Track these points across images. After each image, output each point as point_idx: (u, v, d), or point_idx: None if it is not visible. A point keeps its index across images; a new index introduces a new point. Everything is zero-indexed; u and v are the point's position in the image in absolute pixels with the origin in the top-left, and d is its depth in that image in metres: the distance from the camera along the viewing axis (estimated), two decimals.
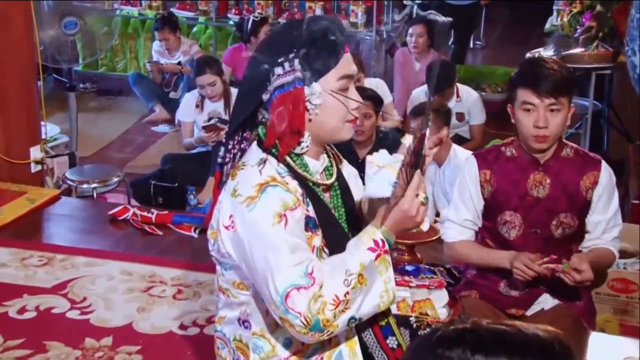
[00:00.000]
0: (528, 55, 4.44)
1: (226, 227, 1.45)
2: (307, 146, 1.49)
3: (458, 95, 4.46)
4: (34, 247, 2.97)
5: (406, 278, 2.42)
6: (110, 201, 3.89)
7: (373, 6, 5.59)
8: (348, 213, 1.58)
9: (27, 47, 3.55)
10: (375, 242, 1.43)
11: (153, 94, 5.57)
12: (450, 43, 6.62)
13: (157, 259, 2.89)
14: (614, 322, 2.55)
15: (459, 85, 4.53)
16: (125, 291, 2.64)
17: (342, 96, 1.46)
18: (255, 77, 1.46)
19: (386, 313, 1.58)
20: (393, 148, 1.95)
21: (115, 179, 3.85)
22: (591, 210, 2.10)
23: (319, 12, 5.67)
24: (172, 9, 5.94)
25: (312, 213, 1.47)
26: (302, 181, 1.47)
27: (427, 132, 1.46)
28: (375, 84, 4.40)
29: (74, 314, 2.50)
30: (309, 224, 1.46)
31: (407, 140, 1.49)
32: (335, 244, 1.49)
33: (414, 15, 5.82)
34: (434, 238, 2.63)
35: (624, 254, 2.57)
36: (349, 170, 1.68)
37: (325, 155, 1.57)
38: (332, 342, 1.52)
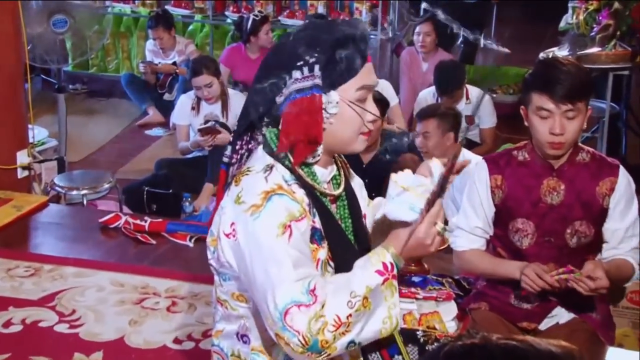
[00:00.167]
0: (542, 55, 4.44)
1: (227, 235, 1.45)
2: (319, 155, 1.50)
3: (468, 97, 4.47)
4: (21, 257, 2.98)
5: (413, 289, 2.42)
6: (101, 208, 3.89)
7: (378, 4, 5.60)
8: (355, 225, 1.58)
9: (14, 46, 3.56)
10: (384, 265, 1.43)
11: (146, 95, 5.58)
12: (459, 42, 6.63)
13: (151, 269, 2.89)
14: (632, 336, 2.54)
15: (468, 86, 4.53)
16: (116, 303, 2.64)
17: (360, 107, 1.46)
18: (270, 78, 1.46)
19: (393, 333, 1.57)
20: (397, 152, 1.96)
21: (107, 185, 3.86)
22: (608, 218, 2.09)
23: (321, 9, 5.69)
24: (166, 7, 5.97)
25: (318, 224, 1.47)
26: (310, 190, 1.48)
27: (459, 159, 1.49)
28: (380, 85, 4.41)
29: (62, 328, 2.49)
30: (315, 236, 1.46)
31: (436, 166, 1.49)
32: (341, 257, 1.49)
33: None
34: (442, 247, 2.63)
35: None
36: (354, 180, 1.69)
37: (333, 164, 1.57)
38: None
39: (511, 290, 2.15)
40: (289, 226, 1.40)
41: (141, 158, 4.94)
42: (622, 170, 2.10)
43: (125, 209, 3.85)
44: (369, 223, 1.68)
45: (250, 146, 1.53)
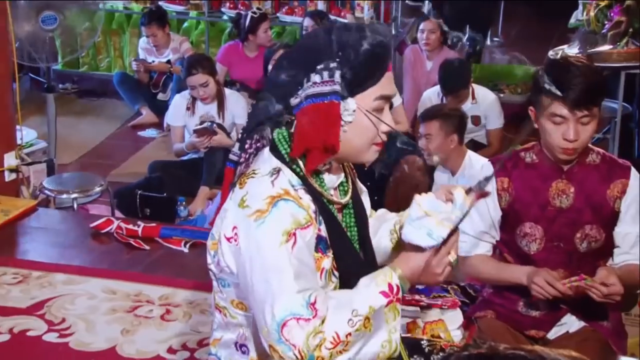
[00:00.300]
0: (551, 53, 4.45)
1: (228, 239, 1.45)
2: (329, 162, 1.50)
3: (474, 97, 4.47)
4: (8, 263, 2.98)
5: (417, 297, 2.43)
6: (93, 213, 3.90)
7: (380, 1, 5.61)
8: (361, 234, 1.59)
9: (1, 44, 3.56)
10: (390, 286, 1.44)
11: (139, 95, 5.59)
12: (465, 40, 6.64)
13: (144, 276, 2.89)
14: None
15: (474, 85, 4.54)
16: (108, 311, 2.64)
17: (376, 117, 1.47)
18: (287, 78, 1.46)
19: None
20: (399, 154, 1.97)
21: (98, 189, 3.86)
22: (619, 222, 2.10)
23: (321, 6, 5.70)
24: (160, 3, 5.97)
25: (324, 232, 1.48)
26: (317, 197, 1.48)
27: (487, 191, 1.51)
28: None
29: (51, 337, 2.49)
30: (320, 245, 1.46)
31: (459, 194, 1.49)
32: (346, 267, 1.50)
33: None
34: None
35: None
36: (359, 187, 1.69)
37: (341, 172, 1.58)
38: None
39: (519, 297, 2.15)
40: (294, 234, 1.41)
41: (134, 160, 4.94)
42: (634, 172, 2.11)
43: (118, 214, 3.85)
44: (371, 234, 1.68)
45: (258, 145, 1.53)
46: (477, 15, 6.00)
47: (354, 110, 1.45)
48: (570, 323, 2.15)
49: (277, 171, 1.46)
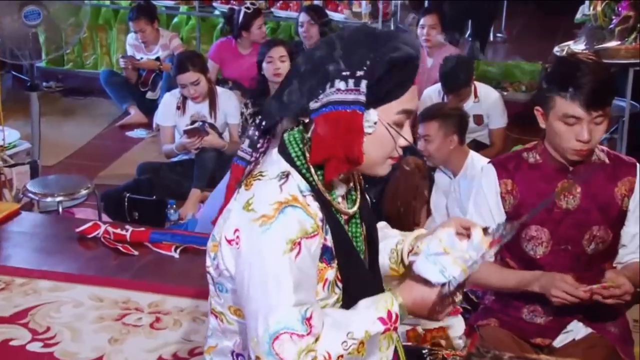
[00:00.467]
0: (556, 49, 4.47)
1: (229, 241, 1.46)
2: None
3: (476, 95, 4.48)
4: None
5: None
6: (79, 217, 3.89)
7: None
8: (369, 244, 1.60)
9: None
10: (389, 314, 1.45)
11: (127, 94, 5.59)
12: (467, 35, 6.65)
13: (132, 282, 2.89)
14: None
15: (476, 83, 4.55)
16: (95, 320, 2.64)
17: (396, 131, 1.47)
18: (309, 79, 1.45)
19: (396, 350, 1.59)
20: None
21: (84, 192, 3.86)
22: (627, 221, 2.11)
23: (317, 1, 5.71)
24: None
25: (329, 242, 1.48)
26: (325, 204, 1.49)
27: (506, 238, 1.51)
28: None
29: (35, 347, 2.49)
30: (325, 255, 1.47)
31: (477, 234, 1.50)
32: (351, 279, 1.51)
33: None
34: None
35: None
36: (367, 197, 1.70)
37: (351, 181, 1.58)
38: None
39: (522, 304, 2.16)
40: (299, 243, 1.41)
41: (122, 162, 4.94)
42: (639, 167, 2.13)
43: (105, 217, 3.84)
44: None
45: (270, 144, 1.53)
46: (480, 10, 6.01)
47: (375, 123, 1.45)
48: (577, 330, 2.16)
49: (286, 175, 1.46)
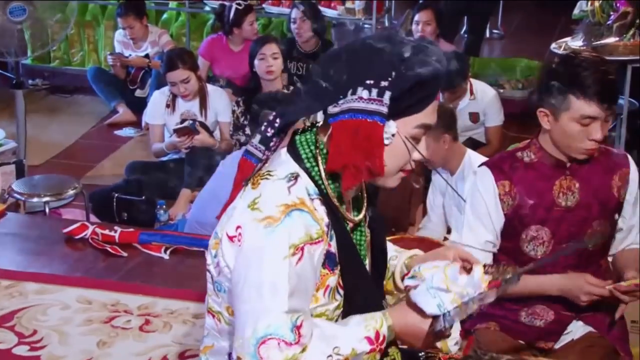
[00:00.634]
0: (553, 46, 4.48)
1: (230, 238, 1.46)
2: None
3: (472, 93, 4.49)
4: None
5: None
6: (66, 217, 3.88)
7: None
8: (374, 253, 1.60)
9: None
10: (377, 335, 1.47)
11: (116, 92, 5.58)
12: (462, 32, 6.67)
13: (121, 284, 2.89)
14: None
15: (473, 80, 4.56)
16: (83, 322, 2.64)
17: (412, 145, 1.48)
18: (330, 82, 1.45)
19: (391, 353, 1.60)
20: None
21: (72, 192, 3.86)
22: (624, 212, 2.15)
23: None
24: None
25: (333, 248, 1.49)
26: (332, 209, 1.49)
27: (509, 283, 1.51)
28: None
29: (22, 350, 2.49)
30: (328, 261, 1.48)
31: (478, 271, 1.50)
32: (353, 286, 1.51)
33: None
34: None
35: None
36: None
37: (358, 189, 1.59)
38: None
39: (519, 307, 2.17)
40: (302, 248, 1.42)
41: (110, 161, 4.93)
42: (631, 159, 2.18)
43: (93, 218, 3.84)
44: None
45: (281, 144, 1.53)
46: (476, 6, 6.02)
47: (393, 135, 1.45)
48: (575, 330, 2.18)
49: (295, 177, 1.47)
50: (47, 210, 3.78)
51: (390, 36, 1.48)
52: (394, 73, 1.42)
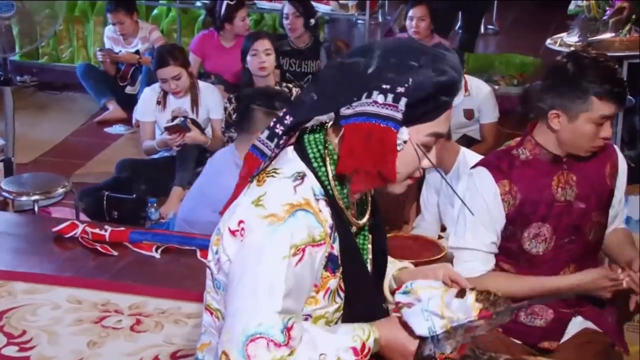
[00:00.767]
0: (549, 41, 4.49)
1: (232, 232, 1.47)
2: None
3: (467, 89, 4.50)
4: None
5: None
6: (55, 216, 3.88)
7: None
8: (376, 256, 1.61)
9: None
10: (363, 346, 1.48)
11: (106, 88, 5.57)
12: (457, 28, 6.68)
13: (112, 283, 2.88)
14: None
15: (467, 77, 4.56)
16: (73, 322, 2.64)
17: (422, 152, 1.48)
18: (344, 83, 1.45)
19: None
20: None
21: (61, 190, 3.85)
22: (613, 200, 2.21)
23: None
24: None
25: (336, 251, 1.50)
26: (337, 211, 1.50)
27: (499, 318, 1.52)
28: None
29: (11, 351, 2.48)
30: (330, 263, 1.48)
31: (469, 299, 1.51)
32: (354, 290, 1.52)
33: None
34: (438, 257, 2.66)
35: None
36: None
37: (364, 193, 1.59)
38: None
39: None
40: (303, 250, 1.43)
41: (100, 159, 4.93)
42: (617, 148, 2.25)
43: (83, 217, 3.84)
44: None
45: (289, 142, 1.54)
46: (471, 2, 6.03)
47: (405, 142, 1.46)
48: (573, 325, 2.20)
49: (302, 176, 1.47)
50: (36, 209, 3.78)
51: (409, 42, 1.49)
52: (411, 80, 1.42)
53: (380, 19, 7.31)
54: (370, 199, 1.61)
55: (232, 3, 5.16)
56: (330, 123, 1.53)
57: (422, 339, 1.49)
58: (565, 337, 2.19)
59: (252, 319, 1.40)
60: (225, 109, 4.37)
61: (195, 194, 3.36)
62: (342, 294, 1.52)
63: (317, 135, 1.52)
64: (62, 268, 3.03)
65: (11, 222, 3.53)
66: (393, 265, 1.72)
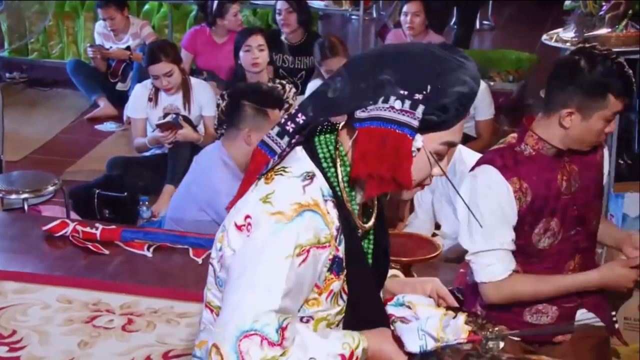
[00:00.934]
0: (544, 37, 4.50)
1: (238, 227, 1.47)
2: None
3: None
4: None
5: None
6: (46, 214, 3.88)
7: None
8: (379, 259, 1.61)
9: None
10: (351, 355, 1.49)
11: (96, 85, 5.56)
12: (452, 23, 6.69)
13: (103, 283, 2.89)
14: None
15: None
16: (64, 322, 2.64)
17: (435, 160, 1.49)
18: (361, 85, 1.45)
19: None
20: None
21: (51, 188, 3.85)
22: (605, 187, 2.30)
23: None
24: None
25: (341, 253, 1.50)
26: (344, 213, 1.50)
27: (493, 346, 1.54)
28: None
29: (1, 351, 2.49)
30: (334, 266, 1.49)
31: (459, 320, 1.52)
32: (358, 293, 1.53)
33: None
34: (433, 255, 2.67)
35: None
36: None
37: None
38: None
39: (521, 309, 2.20)
40: (308, 251, 1.43)
41: (91, 156, 4.93)
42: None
43: (73, 215, 3.83)
44: None
45: (299, 140, 1.53)
46: None
47: (419, 149, 1.46)
48: (580, 318, 2.23)
49: (311, 177, 1.48)
50: (25, 207, 3.77)
51: (429, 48, 1.48)
52: (429, 87, 1.42)
53: (374, 15, 7.31)
54: (376, 202, 1.62)
55: None
56: (342, 124, 1.53)
57: (411, 355, 1.51)
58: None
59: (249, 314, 1.40)
60: (218, 105, 4.35)
61: (182, 192, 3.34)
62: (345, 297, 1.53)
63: (327, 136, 1.52)
64: (53, 267, 3.03)
65: (0, 220, 3.53)
66: None
